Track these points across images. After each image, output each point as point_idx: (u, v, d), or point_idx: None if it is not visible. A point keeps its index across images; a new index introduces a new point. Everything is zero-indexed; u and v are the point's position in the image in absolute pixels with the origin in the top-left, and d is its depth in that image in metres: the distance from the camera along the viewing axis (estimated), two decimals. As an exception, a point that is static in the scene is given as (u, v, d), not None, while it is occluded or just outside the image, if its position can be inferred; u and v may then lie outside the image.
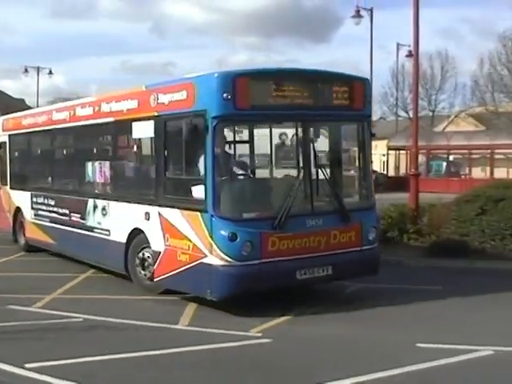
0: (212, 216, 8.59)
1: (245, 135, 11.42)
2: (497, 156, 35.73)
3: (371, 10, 30.71)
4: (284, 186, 9.44)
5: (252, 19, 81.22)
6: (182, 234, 9.09)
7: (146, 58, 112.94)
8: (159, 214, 9.59)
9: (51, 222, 13.11)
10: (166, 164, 9.69)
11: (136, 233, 10.23)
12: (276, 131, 10.83)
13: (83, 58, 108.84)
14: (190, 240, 8.96)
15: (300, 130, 9.37)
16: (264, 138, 11.03)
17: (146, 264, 10.04)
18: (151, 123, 9.83)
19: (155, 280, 9.70)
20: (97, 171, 11.68)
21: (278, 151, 11.15)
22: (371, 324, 8.19)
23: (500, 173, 33.80)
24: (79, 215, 12.00)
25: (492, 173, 34.35)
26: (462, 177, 37.62)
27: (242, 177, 9.94)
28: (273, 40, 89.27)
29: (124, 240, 10.46)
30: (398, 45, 35.67)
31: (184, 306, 9.15)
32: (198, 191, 8.95)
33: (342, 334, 7.83)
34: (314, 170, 9.26)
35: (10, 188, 15.23)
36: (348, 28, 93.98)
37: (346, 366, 6.53)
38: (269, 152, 10.98)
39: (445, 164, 39.95)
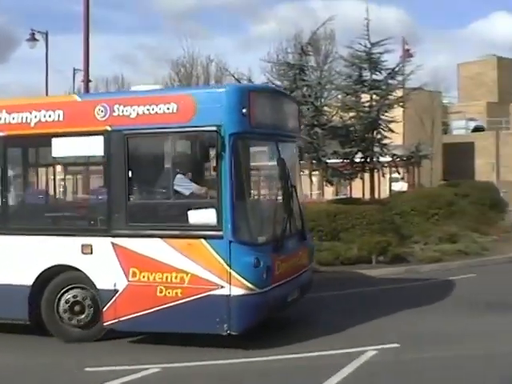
0: (231, 242, 8.02)
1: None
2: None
3: (46, 34, 30.65)
4: (275, 207, 9.22)
5: None
6: (168, 266, 8.23)
7: None
8: (114, 245, 8.49)
9: None
10: (131, 187, 8.64)
11: (54, 271, 8.81)
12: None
13: None
14: (183, 272, 8.18)
15: (280, 150, 9.10)
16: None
17: (77, 308, 8.72)
18: (98, 139, 8.65)
19: (106, 324, 8.53)
20: None
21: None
22: (43, 351, 8.44)
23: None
24: None
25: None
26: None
27: (250, 198, 9.27)
28: None
29: (29, 282, 8.80)
30: (74, 69, 36.34)
31: None
32: (199, 216, 8.24)
33: (16, 364, 7.89)
34: (289, 191, 9.04)
35: None
36: (27, 50, 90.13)
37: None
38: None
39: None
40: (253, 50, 71.71)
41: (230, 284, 8.02)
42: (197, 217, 8.25)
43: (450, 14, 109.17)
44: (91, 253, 8.65)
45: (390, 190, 27.83)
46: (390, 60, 21.47)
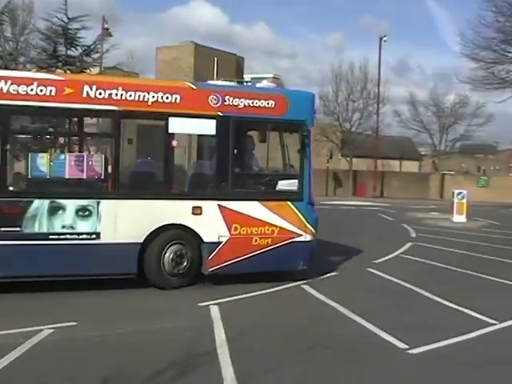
0: (308, 203, 12.03)
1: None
2: None
3: None
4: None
5: None
6: (261, 221, 11.58)
7: None
8: (220, 206, 11.28)
9: None
10: (235, 161, 11.48)
11: (162, 230, 10.94)
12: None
13: None
14: (273, 225, 11.68)
15: None
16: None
17: (179, 260, 11.13)
18: (212, 121, 11.22)
19: (211, 269, 11.30)
20: (68, 166, 10.47)
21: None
22: None
23: None
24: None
25: None
26: None
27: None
28: None
29: (140, 240, 10.77)
30: None
31: None
32: (286, 184, 11.91)
33: None
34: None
35: None
36: None
37: None
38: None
39: None
40: None
41: (306, 233, 11.97)
42: (284, 185, 11.85)
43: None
44: (201, 213, 11.17)
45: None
46: (89, 37, 22.13)
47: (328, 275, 13.04)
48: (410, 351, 7.96)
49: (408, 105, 62.65)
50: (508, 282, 13.01)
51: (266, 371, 7.04)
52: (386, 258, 15.74)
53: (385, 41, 51.60)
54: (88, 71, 21.66)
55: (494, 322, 9.57)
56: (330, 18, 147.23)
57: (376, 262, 15.00)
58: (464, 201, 27.64)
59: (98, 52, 22.61)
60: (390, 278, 13.01)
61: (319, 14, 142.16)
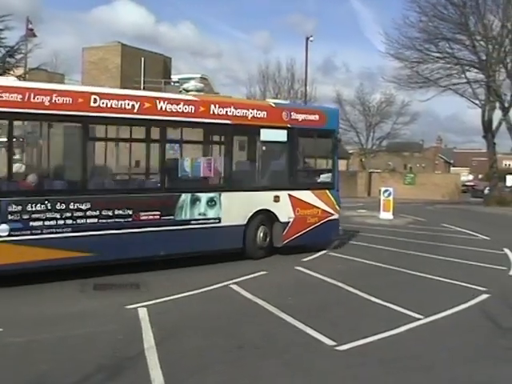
0: (337, 191, 16.91)
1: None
2: None
3: None
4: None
5: None
6: (312, 205, 16.14)
7: None
8: (289, 195, 15.62)
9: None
10: (297, 160, 16.09)
11: (255, 215, 14.92)
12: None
13: None
14: (318, 208, 16.29)
15: None
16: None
17: (264, 237, 15.25)
18: (284, 131, 15.44)
19: (284, 242, 15.59)
20: (202, 167, 14.20)
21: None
22: None
23: None
24: (157, 212, 13.12)
25: None
26: None
27: None
28: None
29: (244, 222, 14.74)
30: None
31: None
32: (325, 177, 16.86)
33: None
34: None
35: None
36: None
37: None
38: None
39: None
40: None
41: (336, 213, 16.86)
42: (324, 177, 16.84)
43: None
44: (279, 201, 15.43)
45: None
46: (12, 38, 21.59)
47: (257, 274, 13.24)
48: (338, 348, 8.15)
49: (335, 104, 63.38)
50: (433, 276, 13.42)
51: (195, 372, 7.09)
52: (314, 256, 16.07)
53: (311, 41, 51.96)
54: (12, 72, 21.12)
55: (419, 316, 9.87)
56: (256, 17, 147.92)
57: (304, 260, 15.33)
58: (390, 198, 28.30)
59: (21, 53, 22.05)
60: (317, 275, 13.29)
61: (246, 13, 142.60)
